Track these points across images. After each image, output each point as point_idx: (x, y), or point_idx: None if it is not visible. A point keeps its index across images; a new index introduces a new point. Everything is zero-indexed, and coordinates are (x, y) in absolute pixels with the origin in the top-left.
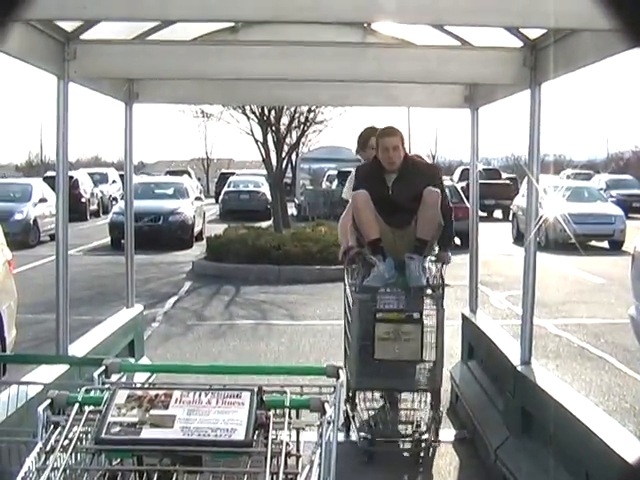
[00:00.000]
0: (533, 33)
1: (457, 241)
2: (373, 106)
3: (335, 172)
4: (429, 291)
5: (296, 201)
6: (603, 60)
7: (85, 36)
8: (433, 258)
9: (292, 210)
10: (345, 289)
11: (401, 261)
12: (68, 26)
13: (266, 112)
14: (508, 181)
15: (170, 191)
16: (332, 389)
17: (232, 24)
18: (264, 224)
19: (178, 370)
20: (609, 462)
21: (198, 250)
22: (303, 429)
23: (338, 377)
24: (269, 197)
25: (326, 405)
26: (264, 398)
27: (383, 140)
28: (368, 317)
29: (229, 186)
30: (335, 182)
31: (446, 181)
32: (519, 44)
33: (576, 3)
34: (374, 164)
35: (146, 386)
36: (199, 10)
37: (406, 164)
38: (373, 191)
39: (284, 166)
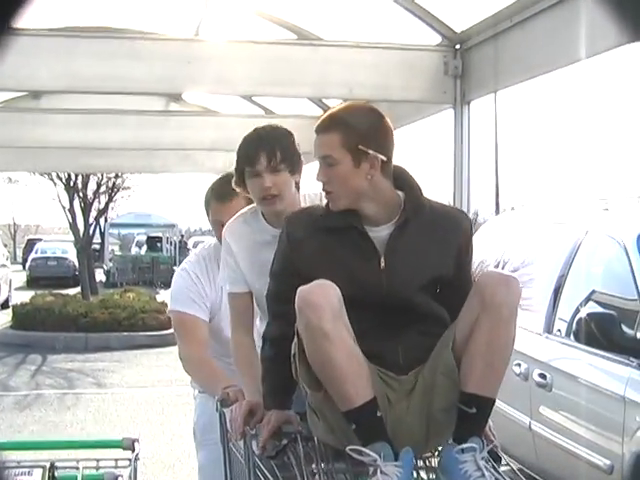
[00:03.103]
0: (333, 102)
1: None
2: (178, 173)
3: (144, 237)
4: None
5: (105, 267)
6: (397, 130)
7: None
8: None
9: (101, 276)
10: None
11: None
12: None
13: (73, 177)
14: None
15: None
16: (128, 462)
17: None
18: (72, 291)
19: None
20: None
21: (4, 318)
22: None
23: (134, 449)
24: (77, 263)
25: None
26: (56, 475)
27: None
28: None
29: (36, 252)
30: (144, 247)
31: None
32: (320, 112)
33: (372, 75)
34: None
35: None
36: None
37: (417, 204)
38: (344, 274)
39: (92, 232)
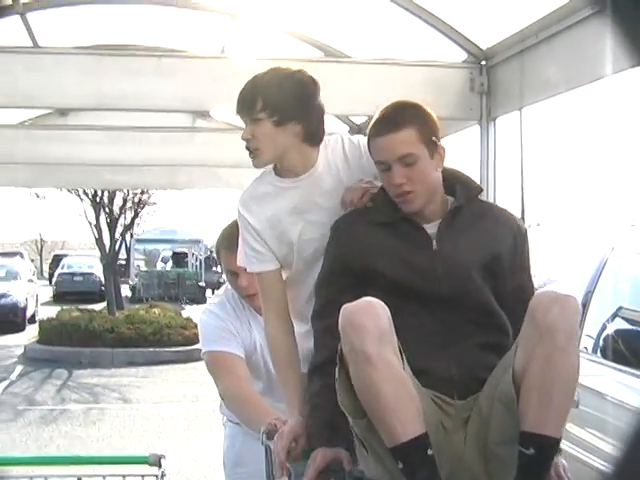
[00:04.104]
0: (360, 120)
1: None
2: (203, 189)
3: (170, 253)
4: None
5: (130, 282)
6: None
7: None
8: None
9: (126, 292)
10: None
11: None
12: None
13: (99, 193)
14: None
15: (1, 273)
16: (154, 478)
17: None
18: (98, 306)
19: None
20: None
21: (30, 333)
22: None
23: (160, 466)
24: (103, 279)
25: None
26: None
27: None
28: None
29: (63, 268)
30: (170, 263)
31: None
32: (346, 129)
33: (399, 92)
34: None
35: None
36: (23, 98)
37: (469, 194)
38: (397, 260)
39: (118, 247)
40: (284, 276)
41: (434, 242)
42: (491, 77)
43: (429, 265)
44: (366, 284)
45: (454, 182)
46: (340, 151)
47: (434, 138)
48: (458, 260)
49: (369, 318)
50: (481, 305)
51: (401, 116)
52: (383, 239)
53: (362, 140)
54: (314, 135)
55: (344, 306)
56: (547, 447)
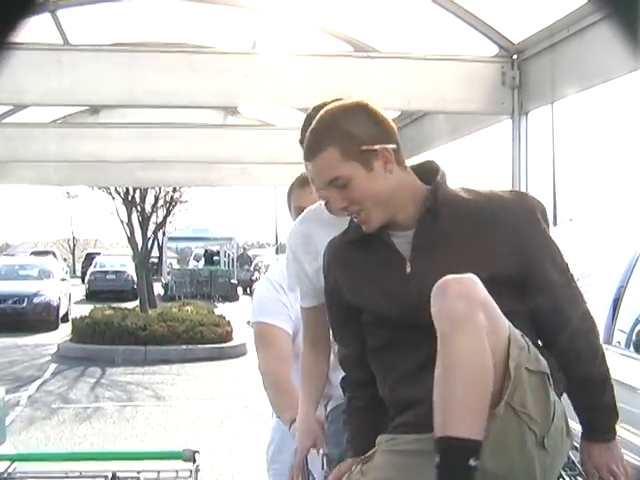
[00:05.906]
0: (391, 115)
1: None
2: (235, 186)
3: (202, 251)
4: None
5: (163, 280)
6: (454, 141)
7: None
8: None
9: (159, 290)
10: None
11: None
12: None
13: (131, 191)
14: None
15: (34, 272)
16: (189, 473)
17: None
18: (131, 304)
19: (33, 458)
20: None
21: (64, 332)
22: None
23: (194, 461)
24: (136, 277)
25: None
26: None
27: None
28: None
29: (95, 266)
30: (202, 261)
31: None
32: None
33: (430, 87)
34: None
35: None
36: (55, 95)
37: (443, 194)
38: (373, 290)
39: (150, 245)
40: None
41: (407, 264)
42: (523, 71)
43: (403, 290)
44: (360, 315)
45: (430, 178)
46: None
47: (364, 147)
48: (434, 283)
49: None
50: None
51: (317, 138)
52: (356, 265)
53: None
54: None
55: None
56: (453, 451)
